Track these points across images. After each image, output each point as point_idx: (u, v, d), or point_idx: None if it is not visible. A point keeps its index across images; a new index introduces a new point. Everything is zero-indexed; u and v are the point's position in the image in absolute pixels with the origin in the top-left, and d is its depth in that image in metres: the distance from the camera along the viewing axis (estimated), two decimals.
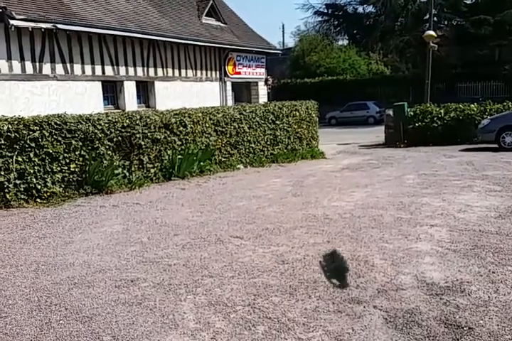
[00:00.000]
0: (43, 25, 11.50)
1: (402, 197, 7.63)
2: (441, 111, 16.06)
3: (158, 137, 10.14)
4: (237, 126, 11.96)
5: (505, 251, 4.97)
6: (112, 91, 14.44)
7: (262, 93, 21.43)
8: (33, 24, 11.29)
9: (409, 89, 29.89)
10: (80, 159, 8.87)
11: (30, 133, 8.21)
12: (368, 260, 4.87)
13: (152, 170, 10.09)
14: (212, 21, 18.95)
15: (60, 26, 11.84)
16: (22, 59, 11.62)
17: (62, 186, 8.65)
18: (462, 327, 3.48)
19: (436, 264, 4.69)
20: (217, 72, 18.45)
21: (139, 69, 14.87)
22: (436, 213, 6.59)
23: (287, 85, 35.02)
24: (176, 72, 16.37)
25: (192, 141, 10.86)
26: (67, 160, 8.68)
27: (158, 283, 4.51)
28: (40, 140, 8.31)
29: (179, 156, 10.43)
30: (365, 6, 32.06)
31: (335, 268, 4.76)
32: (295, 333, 3.51)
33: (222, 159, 11.65)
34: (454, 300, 3.90)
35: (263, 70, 21.41)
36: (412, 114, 16.34)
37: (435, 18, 25.43)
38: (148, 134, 9.94)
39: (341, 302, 3.96)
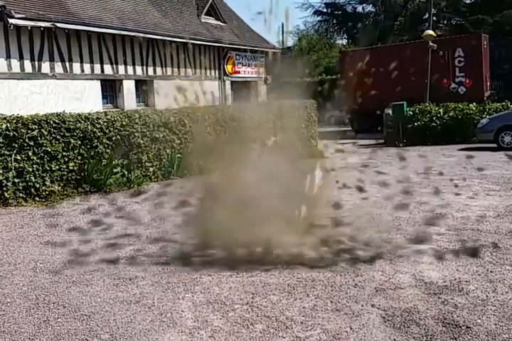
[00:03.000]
0: (42, 24, 11.47)
1: (401, 197, 7.62)
2: (440, 110, 16.03)
3: (157, 136, 10.13)
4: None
5: (504, 250, 4.98)
6: (110, 90, 14.41)
7: (261, 92, 21.39)
8: (32, 23, 11.26)
9: None
10: (79, 158, 8.86)
11: (29, 131, 8.20)
12: None
13: (151, 169, 10.07)
14: (211, 20, 18.91)
15: (59, 25, 11.82)
16: (21, 58, 11.60)
17: (61, 185, 8.64)
18: (460, 326, 3.48)
19: (434, 263, 4.69)
20: (217, 71, 18.43)
21: (138, 68, 14.85)
22: (434, 212, 6.59)
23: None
24: (175, 70, 16.34)
25: (191, 139, 10.84)
26: (66, 159, 8.68)
27: (156, 282, 4.51)
28: (38, 138, 8.30)
29: (178, 155, 10.43)
30: (364, 5, 32.03)
31: None
32: (293, 332, 3.51)
33: None
34: (452, 299, 3.90)
35: (262, 69, 21.38)
36: (411, 113, 16.31)
37: (434, 18, 25.39)
38: (147, 133, 9.93)
39: (339, 300, 3.96)
